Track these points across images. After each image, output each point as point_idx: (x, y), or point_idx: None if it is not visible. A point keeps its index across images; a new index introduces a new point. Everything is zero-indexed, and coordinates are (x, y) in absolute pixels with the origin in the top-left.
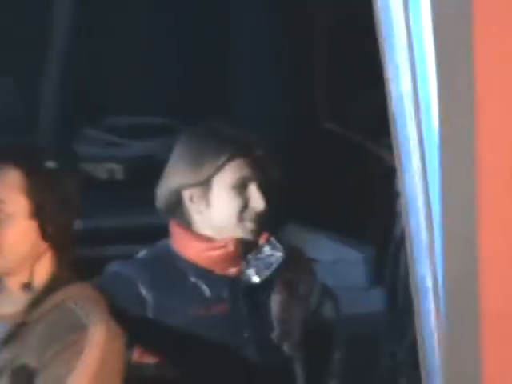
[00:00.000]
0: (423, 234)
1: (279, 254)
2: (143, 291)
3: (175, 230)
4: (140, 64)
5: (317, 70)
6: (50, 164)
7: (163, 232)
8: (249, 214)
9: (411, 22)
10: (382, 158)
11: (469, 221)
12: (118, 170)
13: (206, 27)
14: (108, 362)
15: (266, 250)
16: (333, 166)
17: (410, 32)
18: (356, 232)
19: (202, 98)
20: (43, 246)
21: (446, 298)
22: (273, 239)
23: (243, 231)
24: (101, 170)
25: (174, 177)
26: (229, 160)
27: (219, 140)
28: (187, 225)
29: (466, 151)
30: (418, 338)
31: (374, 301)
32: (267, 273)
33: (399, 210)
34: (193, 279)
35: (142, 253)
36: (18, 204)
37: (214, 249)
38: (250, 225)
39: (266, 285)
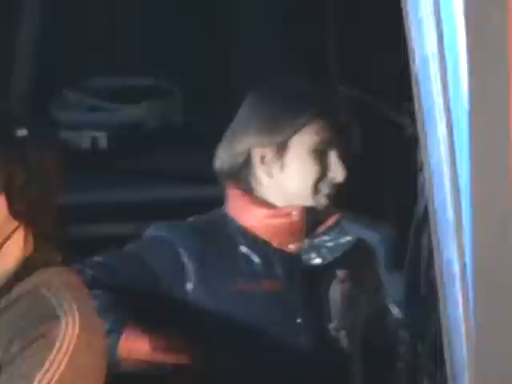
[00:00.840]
0: (449, 213)
1: (348, 239)
2: (185, 259)
3: (233, 192)
4: (128, 17)
5: (328, 25)
6: (21, 132)
7: (154, 208)
8: (325, 185)
9: None
10: (402, 125)
11: (502, 197)
12: (103, 138)
13: None
14: (83, 359)
15: (335, 231)
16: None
17: None
18: (370, 209)
19: (200, 56)
20: (13, 224)
21: (475, 285)
22: (344, 221)
23: (315, 203)
24: (83, 138)
25: (245, 136)
26: (311, 120)
27: (301, 97)
28: (250, 190)
29: (499, 118)
30: (443, 329)
31: (392, 288)
32: (331, 257)
33: (422, 185)
34: (244, 249)
35: (189, 219)
36: None
37: (277, 216)
38: (323, 198)
39: (328, 269)
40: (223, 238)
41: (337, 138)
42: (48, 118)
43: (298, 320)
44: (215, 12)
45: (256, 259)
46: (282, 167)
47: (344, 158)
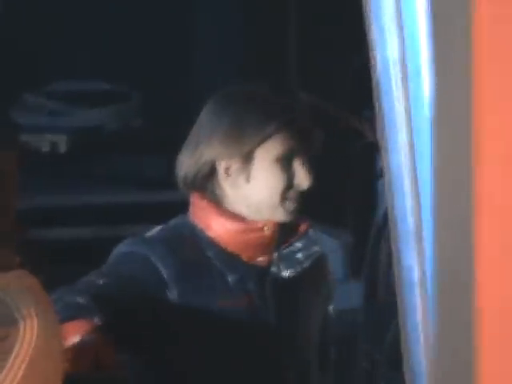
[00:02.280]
0: (410, 219)
1: (316, 249)
2: (166, 276)
3: (200, 204)
4: (88, 23)
5: (288, 33)
6: None
7: (112, 212)
8: (292, 193)
9: None
10: (361, 133)
11: (464, 203)
12: (62, 142)
13: None
14: (42, 364)
15: (303, 241)
16: None
17: None
18: (330, 216)
19: (159, 63)
20: None
21: (435, 293)
22: (311, 231)
23: (284, 212)
24: (42, 142)
25: (209, 146)
26: (276, 130)
27: (264, 107)
28: (217, 201)
29: (462, 125)
30: (402, 337)
31: (350, 295)
32: (300, 268)
33: (381, 191)
34: (216, 263)
35: (156, 230)
36: None
37: (248, 231)
38: (291, 205)
39: (294, 280)
40: (195, 251)
41: (301, 146)
42: (6, 121)
43: (271, 332)
44: (177, 17)
45: (228, 274)
46: (247, 178)
47: (308, 165)
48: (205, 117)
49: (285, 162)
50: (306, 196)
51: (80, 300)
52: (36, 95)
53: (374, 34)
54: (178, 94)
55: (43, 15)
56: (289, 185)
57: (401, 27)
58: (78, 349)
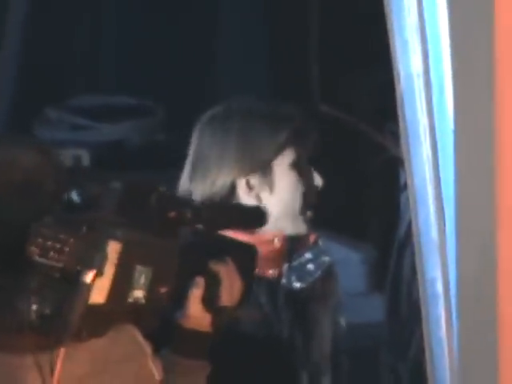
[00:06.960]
0: (433, 232)
1: (326, 259)
2: None
3: None
4: (109, 37)
5: (309, 44)
6: None
7: None
8: (311, 198)
9: None
10: (384, 146)
11: (486, 217)
12: (85, 157)
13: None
14: None
15: (313, 252)
16: (328, 156)
17: (421, 2)
18: (353, 230)
19: (180, 76)
20: None
21: (458, 304)
22: (321, 242)
23: (301, 223)
24: (65, 157)
25: (223, 168)
26: (288, 138)
27: (267, 118)
28: None
29: (484, 138)
30: (426, 349)
31: (373, 308)
32: (311, 279)
33: (404, 205)
34: None
35: None
36: None
37: (258, 244)
38: (309, 214)
39: (305, 291)
40: None
41: (306, 149)
42: (28, 136)
43: (284, 345)
44: (200, 32)
45: None
46: (271, 189)
47: (313, 166)
48: (203, 140)
49: (298, 167)
50: (322, 208)
51: None
52: (58, 110)
53: (397, 48)
54: (201, 109)
55: (65, 32)
56: (308, 186)
57: (424, 40)
58: None
